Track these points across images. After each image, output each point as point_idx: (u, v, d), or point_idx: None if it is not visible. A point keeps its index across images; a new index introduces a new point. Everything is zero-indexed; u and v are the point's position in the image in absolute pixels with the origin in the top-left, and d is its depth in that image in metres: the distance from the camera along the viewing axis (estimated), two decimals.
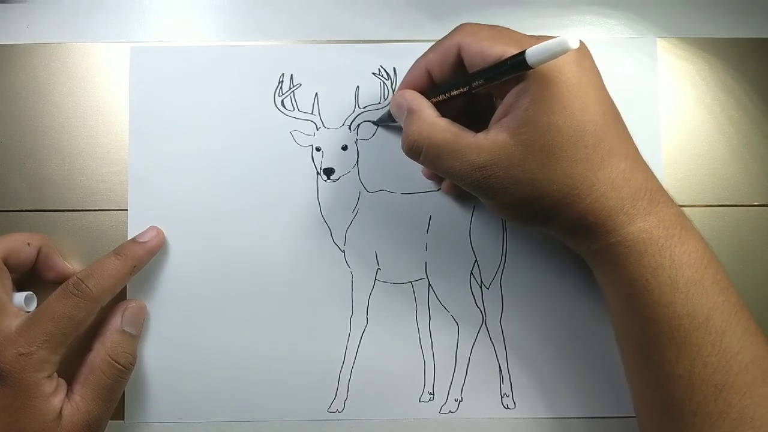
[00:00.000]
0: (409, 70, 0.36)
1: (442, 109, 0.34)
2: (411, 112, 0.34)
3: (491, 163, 0.31)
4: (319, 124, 0.40)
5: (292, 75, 0.41)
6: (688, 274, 0.30)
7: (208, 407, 0.39)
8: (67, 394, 0.35)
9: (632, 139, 0.33)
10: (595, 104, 0.31)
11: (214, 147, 0.40)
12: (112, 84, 0.41)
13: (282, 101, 0.41)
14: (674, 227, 0.31)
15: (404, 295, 0.40)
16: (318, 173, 0.40)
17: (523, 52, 0.28)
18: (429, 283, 0.40)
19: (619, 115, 0.32)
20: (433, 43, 0.35)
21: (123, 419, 0.39)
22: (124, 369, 0.37)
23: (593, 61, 0.32)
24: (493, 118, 0.32)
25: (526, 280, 0.40)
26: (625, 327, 0.33)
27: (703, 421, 0.30)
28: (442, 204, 0.40)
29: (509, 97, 0.31)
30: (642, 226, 0.31)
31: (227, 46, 0.41)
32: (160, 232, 0.39)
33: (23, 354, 0.33)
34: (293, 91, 0.41)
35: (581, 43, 0.31)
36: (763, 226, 0.41)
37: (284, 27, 0.42)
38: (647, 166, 0.33)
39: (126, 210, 0.40)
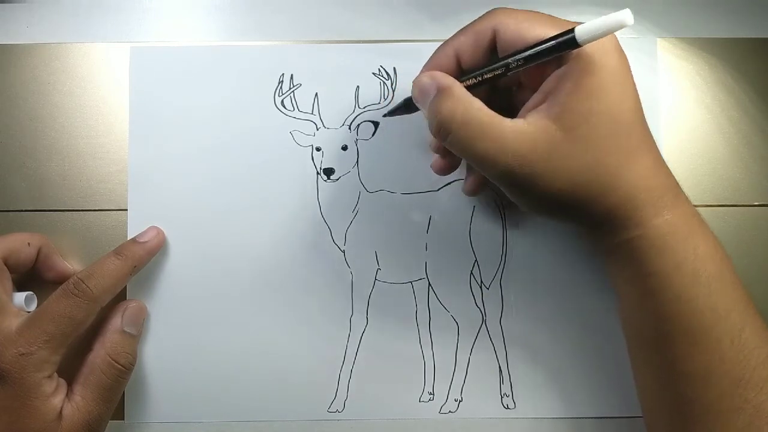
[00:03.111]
0: (435, 54, 0.34)
1: None
2: (442, 90, 0.31)
3: (531, 150, 0.30)
4: (319, 124, 0.40)
5: (292, 75, 0.41)
6: (709, 269, 0.30)
7: (208, 407, 0.39)
8: (67, 394, 0.35)
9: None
10: (630, 94, 0.31)
11: (214, 147, 0.40)
12: (112, 84, 0.41)
13: (282, 101, 0.41)
14: (694, 222, 0.31)
15: (404, 295, 0.40)
16: (318, 173, 0.40)
17: (572, 30, 0.28)
18: (429, 283, 0.40)
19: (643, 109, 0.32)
20: (461, 29, 0.33)
21: (123, 419, 0.39)
22: (124, 369, 0.36)
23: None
24: (528, 105, 0.31)
25: (526, 280, 0.40)
26: (637, 323, 0.33)
27: (717, 417, 0.29)
28: (442, 204, 0.40)
29: (548, 83, 0.30)
30: (668, 218, 0.31)
31: (227, 46, 0.41)
32: (160, 232, 0.39)
33: (24, 354, 0.33)
34: (293, 91, 0.41)
35: None
36: (763, 226, 0.41)
37: (284, 27, 0.42)
38: (667, 165, 0.33)
39: (126, 210, 0.40)
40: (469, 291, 0.40)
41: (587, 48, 0.29)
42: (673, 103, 0.41)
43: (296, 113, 0.41)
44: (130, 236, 0.40)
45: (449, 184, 0.40)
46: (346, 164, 0.40)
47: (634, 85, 0.31)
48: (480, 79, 0.32)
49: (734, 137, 0.41)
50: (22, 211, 0.40)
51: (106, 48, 0.41)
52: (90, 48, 0.41)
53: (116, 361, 0.36)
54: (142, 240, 0.39)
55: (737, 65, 0.41)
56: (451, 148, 0.32)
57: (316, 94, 0.41)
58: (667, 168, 0.32)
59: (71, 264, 0.40)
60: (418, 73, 0.34)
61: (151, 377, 0.39)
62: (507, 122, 0.30)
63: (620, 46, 0.31)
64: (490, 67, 0.31)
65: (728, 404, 0.29)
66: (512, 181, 0.31)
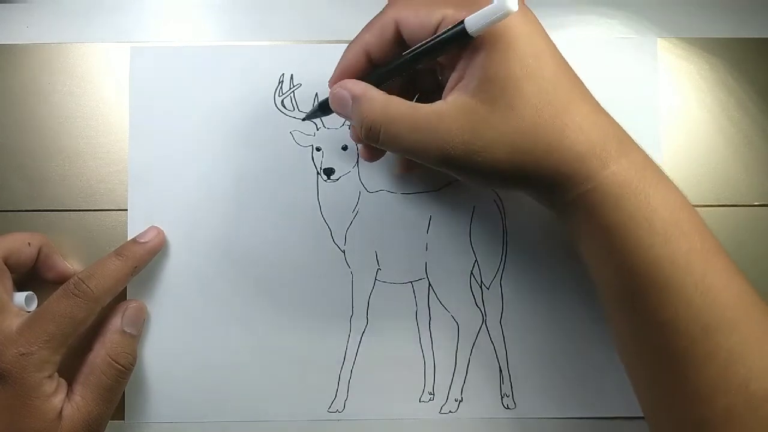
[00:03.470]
0: (344, 55, 0.34)
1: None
2: (357, 97, 0.32)
3: (457, 129, 0.30)
4: (319, 124, 0.40)
5: (292, 75, 0.41)
6: (664, 217, 0.30)
7: (208, 407, 0.39)
8: (67, 394, 0.35)
9: (585, 85, 0.32)
10: (546, 50, 0.30)
11: (214, 147, 0.40)
12: (112, 84, 0.41)
13: (282, 101, 0.41)
14: (646, 170, 0.31)
15: (404, 295, 0.40)
16: (318, 173, 0.40)
17: (462, 23, 0.28)
18: (429, 283, 0.40)
19: (568, 63, 0.32)
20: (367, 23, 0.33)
21: (123, 419, 0.39)
22: (124, 369, 0.37)
23: (533, 12, 0.31)
24: (448, 86, 0.31)
25: (526, 280, 0.40)
26: (605, 277, 0.32)
27: (691, 364, 0.29)
28: (442, 204, 0.40)
29: (462, 60, 0.30)
30: (615, 170, 0.30)
31: (227, 46, 0.41)
32: (160, 232, 0.39)
33: (24, 354, 0.33)
34: (293, 91, 0.41)
35: None
36: (763, 226, 0.41)
37: (284, 27, 0.42)
38: (607, 112, 0.32)
39: (126, 210, 0.40)
40: (469, 291, 0.40)
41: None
42: (674, 103, 0.41)
43: (296, 113, 0.41)
44: (130, 236, 0.40)
45: (449, 184, 0.40)
46: (346, 164, 0.40)
47: (548, 39, 0.31)
48: (392, 79, 0.32)
49: (735, 137, 0.41)
50: (21, 211, 0.40)
51: (106, 48, 0.41)
52: (90, 48, 0.41)
53: (116, 361, 0.36)
54: (142, 240, 0.39)
55: (738, 65, 0.41)
56: (384, 148, 0.33)
57: (316, 94, 0.41)
58: (607, 116, 0.31)
59: (71, 264, 0.40)
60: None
61: (151, 377, 0.39)
62: (428, 108, 0.31)
63: (525, 7, 0.30)
64: (399, 69, 0.32)
65: (701, 350, 0.29)
66: (450, 163, 0.31)
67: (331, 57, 0.41)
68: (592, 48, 0.41)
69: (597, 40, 0.41)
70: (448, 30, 0.29)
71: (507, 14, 0.27)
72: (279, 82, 0.41)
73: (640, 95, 0.41)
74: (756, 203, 0.41)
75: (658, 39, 0.41)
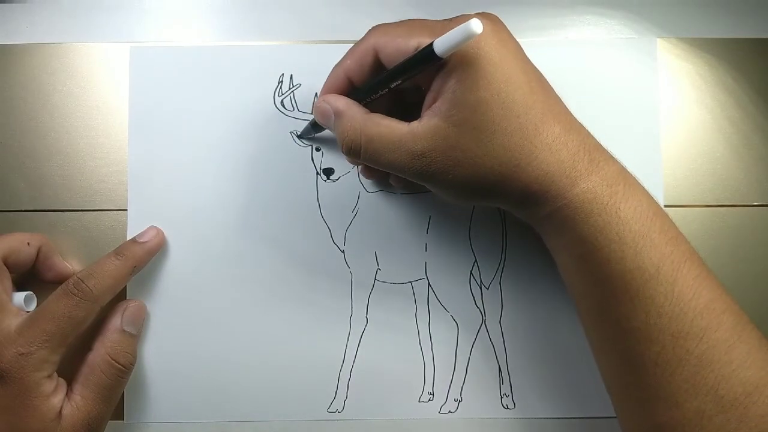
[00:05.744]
0: (328, 78, 0.35)
1: (370, 108, 0.34)
2: (339, 113, 0.34)
3: (429, 149, 0.31)
4: None
5: (291, 75, 0.41)
6: (635, 229, 0.31)
7: (208, 407, 0.39)
8: (67, 394, 0.35)
9: (563, 103, 0.33)
10: (518, 73, 0.31)
11: (214, 147, 0.40)
12: (111, 84, 0.41)
13: (282, 101, 0.41)
14: (617, 184, 0.31)
15: (404, 295, 0.40)
16: (318, 173, 0.40)
17: (431, 45, 0.29)
18: (429, 283, 0.40)
19: (546, 81, 0.33)
20: (349, 48, 0.35)
21: (123, 419, 0.39)
22: (124, 369, 0.37)
23: (509, 32, 0.32)
24: (424, 106, 0.32)
25: (526, 280, 0.40)
26: (579, 288, 0.33)
27: (664, 369, 0.30)
28: (442, 204, 0.40)
29: (436, 83, 0.31)
30: (585, 187, 0.31)
31: (227, 46, 0.41)
32: (160, 232, 0.39)
33: (23, 353, 0.33)
34: (293, 91, 0.41)
35: (494, 16, 0.32)
36: (763, 226, 0.41)
37: (284, 27, 0.42)
38: (582, 127, 0.33)
39: (126, 210, 0.40)
40: (468, 291, 0.40)
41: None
42: (673, 104, 0.41)
43: (296, 113, 0.41)
44: (129, 236, 0.40)
45: None
46: (346, 164, 0.40)
47: (523, 62, 0.32)
48: (370, 99, 0.33)
49: (734, 137, 0.41)
50: (22, 211, 0.40)
51: (105, 48, 0.41)
52: (90, 48, 0.41)
53: (116, 361, 0.36)
54: (141, 240, 0.39)
55: (737, 65, 0.41)
56: (365, 163, 0.34)
57: (316, 94, 0.41)
58: (580, 133, 0.32)
59: (71, 264, 0.40)
60: None
61: (151, 377, 0.39)
62: (404, 128, 0.32)
63: (498, 29, 0.31)
64: (375, 88, 0.33)
65: (671, 356, 0.30)
66: (424, 178, 0.32)
67: (331, 57, 0.41)
68: (592, 48, 0.41)
69: (597, 41, 0.41)
70: (419, 51, 0.30)
71: (472, 36, 0.27)
72: (279, 82, 0.41)
73: (640, 95, 0.41)
74: (755, 203, 0.41)
75: (658, 39, 0.41)
